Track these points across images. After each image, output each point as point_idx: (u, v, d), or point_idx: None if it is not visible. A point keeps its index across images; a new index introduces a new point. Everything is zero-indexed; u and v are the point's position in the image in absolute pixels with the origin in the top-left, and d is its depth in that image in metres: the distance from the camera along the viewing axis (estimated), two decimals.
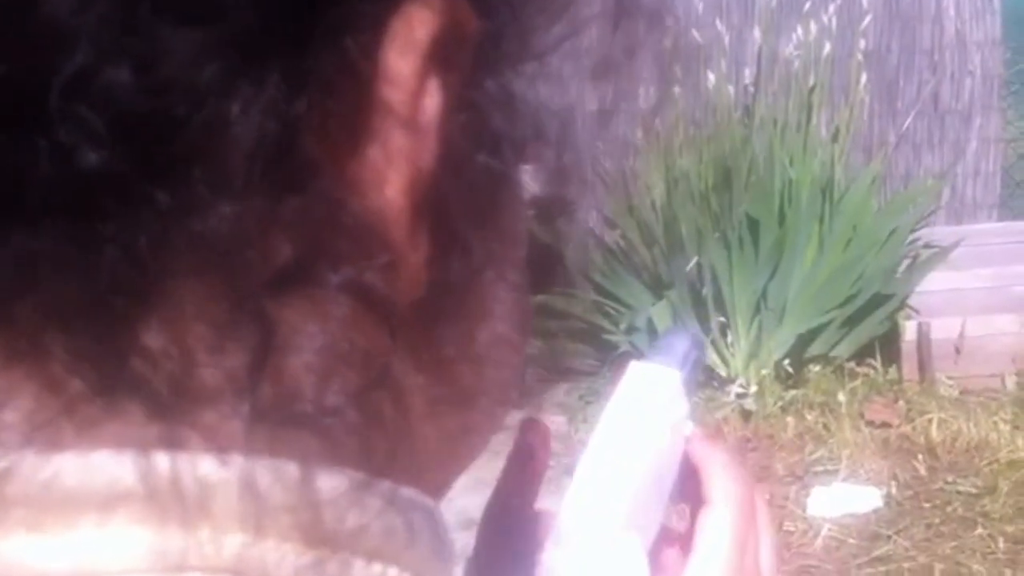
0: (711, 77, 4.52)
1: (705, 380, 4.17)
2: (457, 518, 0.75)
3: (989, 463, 3.50)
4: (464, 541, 0.44)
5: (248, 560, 0.26)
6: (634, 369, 0.52)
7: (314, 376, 0.27)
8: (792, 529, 3.25)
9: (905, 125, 5.02)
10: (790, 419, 3.82)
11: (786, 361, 4.08)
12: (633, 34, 0.33)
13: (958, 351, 3.96)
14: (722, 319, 4.16)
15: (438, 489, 0.34)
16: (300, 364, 0.27)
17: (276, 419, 0.27)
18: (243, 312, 0.26)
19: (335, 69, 0.26)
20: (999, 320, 4.01)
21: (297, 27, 0.25)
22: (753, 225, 4.21)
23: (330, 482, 0.27)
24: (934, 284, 4.16)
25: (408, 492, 0.30)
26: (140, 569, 0.25)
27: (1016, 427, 3.66)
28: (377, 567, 0.28)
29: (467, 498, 0.54)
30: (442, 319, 0.31)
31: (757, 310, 4.16)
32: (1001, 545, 3.10)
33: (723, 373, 4.14)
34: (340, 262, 0.27)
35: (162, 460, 0.26)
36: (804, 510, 3.33)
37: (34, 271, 0.25)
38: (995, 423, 3.67)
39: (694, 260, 4.22)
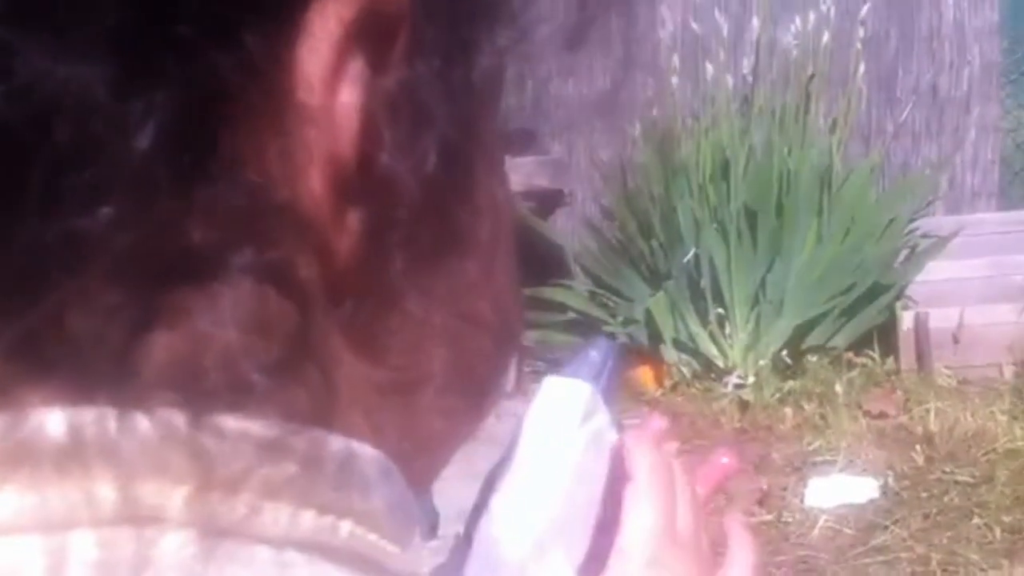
0: (709, 67, 4.51)
1: (703, 371, 4.17)
2: (449, 509, 0.75)
3: (987, 453, 3.50)
4: (455, 530, 0.43)
5: (140, 508, 0.26)
6: (546, 386, 0.52)
7: (219, 352, 0.27)
8: (790, 520, 3.25)
9: (904, 115, 5.01)
10: (788, 410, 3.82)
11: (784, 352, 4.08)
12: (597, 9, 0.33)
13: (956, 341, 3.96)
14: (720, 310, 4.16)
15: (419, 479, 0.33)
16: (202, 340, 0.27)
17: (177, 389, 0.27)
18: (135, 295, 0.26)
19: (236, 69, 0.26)
20: (997, 310, 4.01)
21: (182, 31, 0.25)
22: (751, 216, 4.21)
23: (234, 430, 0.27)
24: (932, 274, 4.16)
25: (342, 443, 0.29)
26: (22, 527, 0.25)
27: (1014, 417, 3.65)
28: (289, 510, 0.28)
29: (458, 489, 0.54)
30: (379, 304, 0.31)
31: (755, 301, 4.16)
32: (998, 535, 3.10)
33: (721, 364, 4.14)
34: (248, 248, 0.27)
35: (51, 420, 0.26)
36: (802, 501, 3.34)
37: None
38: (993, 413, 3.67)
39: (692, 251, 4.21)
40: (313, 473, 0.28)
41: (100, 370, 0.26)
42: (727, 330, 4.15)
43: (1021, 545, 3.06)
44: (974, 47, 5.07)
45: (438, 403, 0.33)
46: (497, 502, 0.47)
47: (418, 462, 0.33)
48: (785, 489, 3.39)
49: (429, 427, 0.34)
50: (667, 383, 4.13)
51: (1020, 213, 4.89)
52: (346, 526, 0.29)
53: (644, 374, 4.16)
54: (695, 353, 4.19)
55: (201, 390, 0.27)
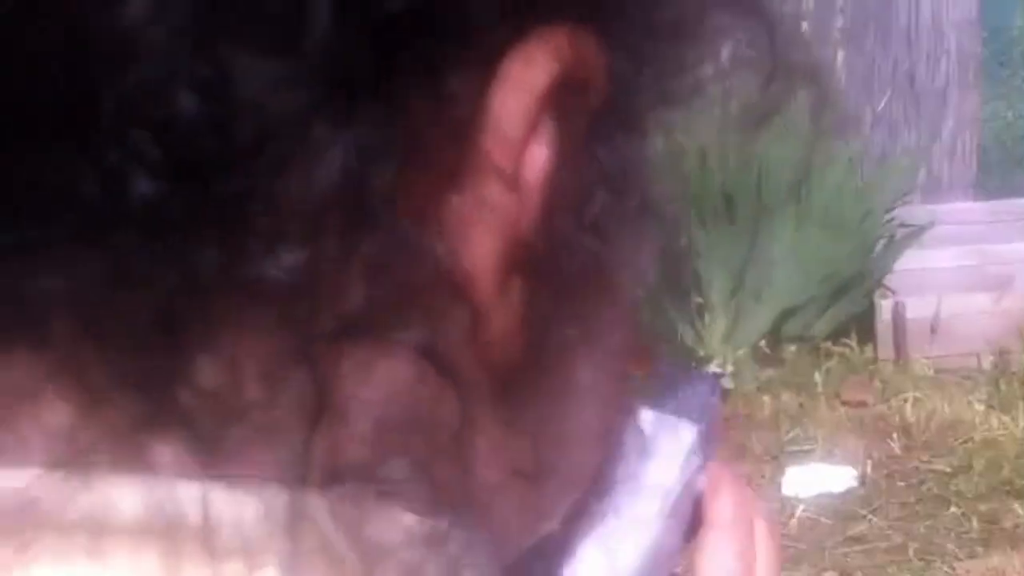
0: None
1: (682, 360, 4.18)
2: None
3: (963, 442, 3.52)
4: None
5: None
6: (649, 424, 0.48)
7: (366, 438, 0.25)
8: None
9: (882, 104, 5.01)
10: (766, 399, 3.83)
11: (762, 341, 4.08)
12: (784, 89, 0.30)
13: (933, 330, 3.98)
14: (699, 299, 4.16)
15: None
16: (353, 422, 0.24)
17: (321, 476, 0.24)
18: (297, 360, 0.23)
19: (430, 112, 0.24)
20: (974, 299, 4.02)
21: (389, 64, 0.23)
22: (730, 203, 4.21)
23: (390, 527, 0.25)
24: (910, 263, 4.17)
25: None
26: None
27: (990, 406, 3.67)
28: None
29: None
30: (532, 392, 0.28)
31: (734, 290, 4.17)
32: (975, 524, 3.12)
33: (700, 353, 4.14)
34: (412, 315, 0.24)
35: (194, 493, 0.23)
36: (779, 490, 3.34)
37: (74, 293, 0.23)
38: (970, 402, 3.68)
39: None
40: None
41: (280, 452, 0.24)
42: (706, 319, 4.15)
43: (998, 534, 3.07)
44: (951, 37, 5.08)
45: (551, 495, 0.31)
46: (586, 551, 0.44)
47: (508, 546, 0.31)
48: (763, 478, 3.39)
49: (533, 516, 0.31)
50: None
51: (997, 203, 4.91)
52: None
53: None
54: (674, 342, 4.19)
55: (344, 476, 0.24)
